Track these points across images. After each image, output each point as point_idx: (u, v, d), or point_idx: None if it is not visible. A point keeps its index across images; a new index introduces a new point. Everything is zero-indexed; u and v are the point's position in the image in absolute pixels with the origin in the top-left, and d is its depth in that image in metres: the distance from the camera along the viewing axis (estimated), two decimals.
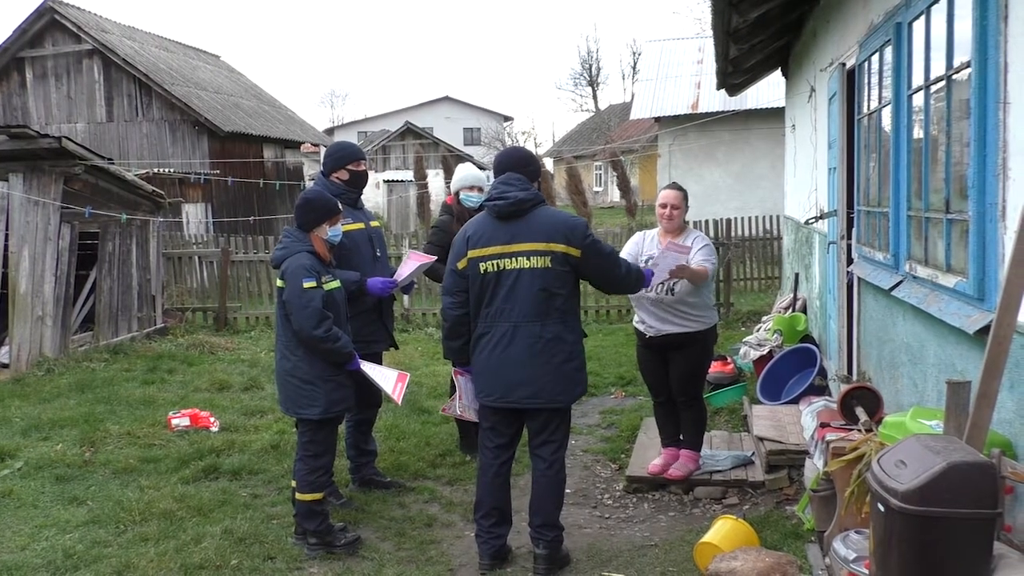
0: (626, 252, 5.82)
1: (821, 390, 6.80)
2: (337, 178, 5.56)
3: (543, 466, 4.61)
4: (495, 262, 4.45)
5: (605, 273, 4.66)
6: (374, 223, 5.78)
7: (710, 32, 8.93)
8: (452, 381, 5.03)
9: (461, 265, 4.55)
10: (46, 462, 6.39)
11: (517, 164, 4.62)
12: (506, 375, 4.49)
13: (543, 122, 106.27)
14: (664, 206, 5.64)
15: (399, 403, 5.20)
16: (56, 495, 5.81)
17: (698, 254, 5.49)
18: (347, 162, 5.58)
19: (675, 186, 5.76)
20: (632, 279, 4.80)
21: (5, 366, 9.43)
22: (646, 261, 5.47)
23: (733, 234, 14.37)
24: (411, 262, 5.65)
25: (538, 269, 4.39)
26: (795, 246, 10.56)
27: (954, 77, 3.77)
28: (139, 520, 5.30)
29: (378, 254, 5.65)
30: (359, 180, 5.65)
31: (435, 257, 5.87)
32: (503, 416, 4.64)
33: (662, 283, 5.37)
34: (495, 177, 4.64)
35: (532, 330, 4.42)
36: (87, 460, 6.47)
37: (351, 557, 4.79)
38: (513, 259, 4.41)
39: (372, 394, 5.56)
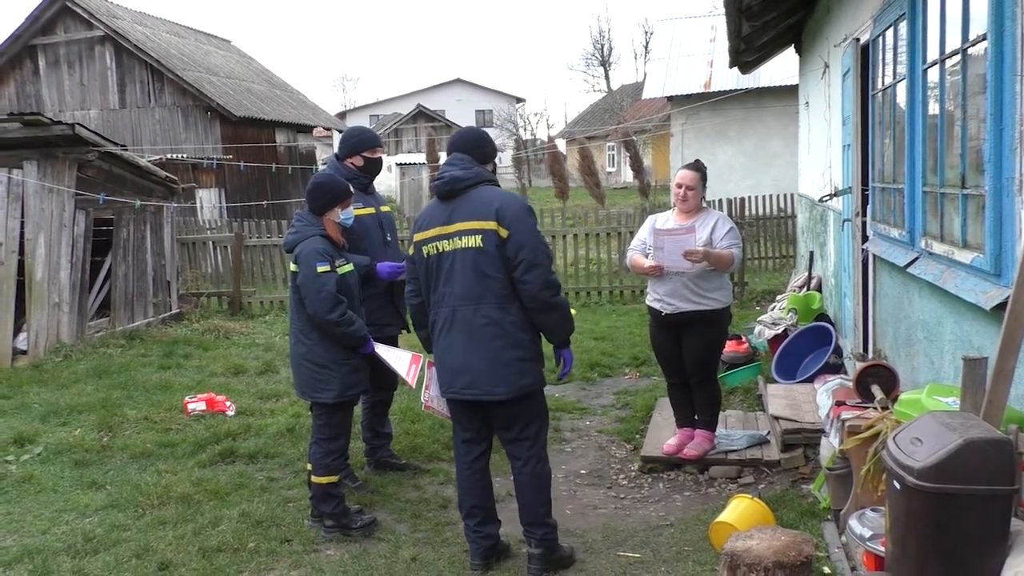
0: (639, 236, 5.81)
1: (836, 368, 6.77)
2: (351, 163, 5.55)
3: (519, 464, 4.32)
4: (435, 244, 4.23)
5: (527, 267, 4.08)
6: (385, 208, 5.77)
7: (722, 10, 8.85)
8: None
9: (411, 251, 4.40)
10: (65, 447, 6.44)
11: (465, 144, 4.39)
12: (448, 363, 4.26)
13: (555, 103, 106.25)
14: (680, 186, 5.60)
15: (413, 385, 5.21)
16: (75, 480, 5.86)
17: (725, 238, 5.47)
18: (363, 148, 5.57)
19: (693, 166, 5.70)
20: (561, 302, 4.22)
21: (23, 352, 9.49)
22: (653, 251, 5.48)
23: (747, 213, 14.31)
24: None
25: (471, 250, 4.13)
26: (809, 224, 10.50)
27: (970, 51, 3.73)
28: (157, 504, 5.34)
29: (388, 238, 5.64)
30: (374, 167, 5.64)
31: None
32: (461, 408, 4.37)
33: (681, 272, 5.38)
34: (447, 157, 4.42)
35: (466, 314, 4.16)
36: (105, 445, 6.51)
37: (367, 539, 4.82)
38: (449, 240, 4.18)
39: (387, 376, 5.56)
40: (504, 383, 4.16)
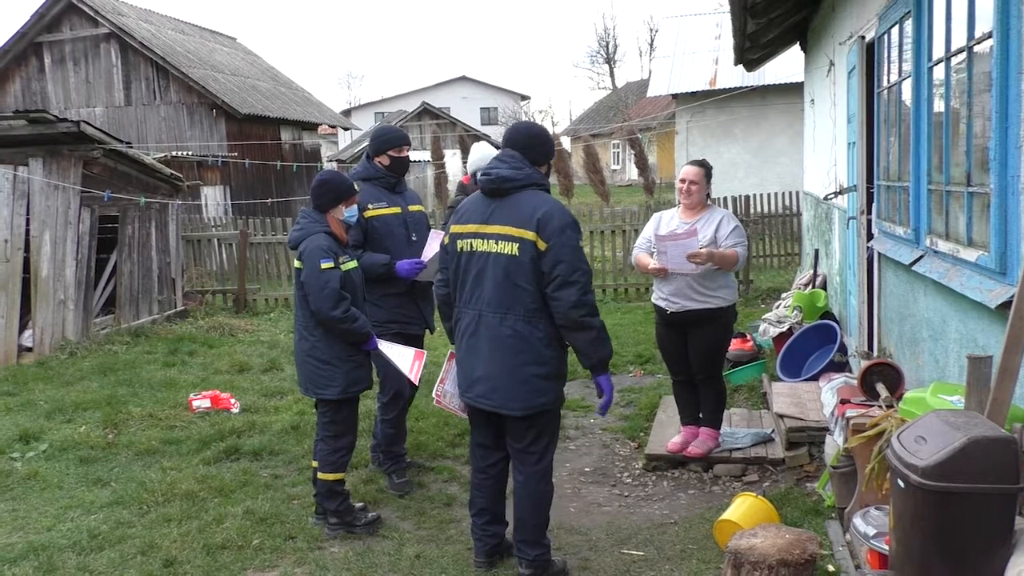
0: (644, 234, 5.80)
1: (841, 366, 6.76)
2: (379, 162, 5.62)
3: (520, 478, 4.20)
4: (470, 241, 4.11)
5: (560, 284, 3.93)
6: (415, 207, 5.72)
7: (727, 8, 8.84)
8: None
9: (446, 240, 4.30)
10: (70, 444, 6.46)
11: (520, 142, 4.16)
12: (469, 367, 4.17)
13: (560, 101, 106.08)
14: (683, 181, 5.62)
15: (416, 383, 5.21)
16: (80, 477, 5.88)
17: (730, 237, 5.46)
18: (389, 147, 5.62)
19: (698, 162, 5.73)
20: (595, 322, 4.01)
21: (29, 349, 9.52)
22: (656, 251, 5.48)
23: (752, 211, 14.30)
24: (434, 242, 5.65)
25: (504, 256, 3.98)
26: (815, 222, 10.48)
27: (975, 48, 3.71)
28: (162, 501, 5.36)
29: (414, 238, 5.61)
30: (400, 166, 5.67)
31: None
32: (476, 413, 4.27)
33: (686, 273, 5.38)
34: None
35: (492, 322, 4.04)
36: (110, 442, 6.53)
37: (371, 536, 4.83)
38: (485, 240, 4.04)
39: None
40: (519, 399, 4.06)
